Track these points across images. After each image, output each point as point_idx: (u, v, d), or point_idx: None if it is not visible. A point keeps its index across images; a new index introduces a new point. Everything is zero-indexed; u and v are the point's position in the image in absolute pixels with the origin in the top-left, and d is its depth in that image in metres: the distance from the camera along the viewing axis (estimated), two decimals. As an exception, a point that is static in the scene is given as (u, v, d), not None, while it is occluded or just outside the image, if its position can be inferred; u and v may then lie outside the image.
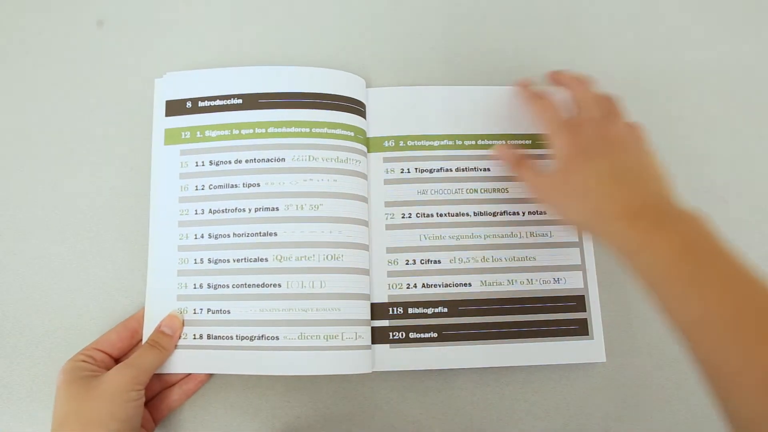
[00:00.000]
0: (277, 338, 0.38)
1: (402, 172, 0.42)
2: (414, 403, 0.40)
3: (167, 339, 0.37)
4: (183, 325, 0.38)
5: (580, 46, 0.48)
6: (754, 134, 0.46)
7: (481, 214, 0.42)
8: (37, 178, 0.43)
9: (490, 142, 0.43)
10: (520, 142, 0.43)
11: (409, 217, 0.42)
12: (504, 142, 0.43)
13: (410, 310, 0.40)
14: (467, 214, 0.42)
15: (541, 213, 0.42)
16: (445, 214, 0.42)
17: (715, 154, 0.46)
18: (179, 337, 0.38)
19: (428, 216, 0.42)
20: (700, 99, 0.47)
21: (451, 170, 0.43)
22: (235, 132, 0.41)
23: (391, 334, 0.40)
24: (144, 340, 0.38)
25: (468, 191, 0.42)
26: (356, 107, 0.42)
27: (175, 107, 0.42)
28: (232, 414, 0.40)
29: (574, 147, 0.36)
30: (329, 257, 0.39)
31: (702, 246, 0.30)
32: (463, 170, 0.43)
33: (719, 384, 0.27)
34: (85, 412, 0.33)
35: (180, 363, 0.38)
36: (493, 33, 0.47)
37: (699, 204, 0.44)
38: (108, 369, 0.35)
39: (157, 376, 0.38)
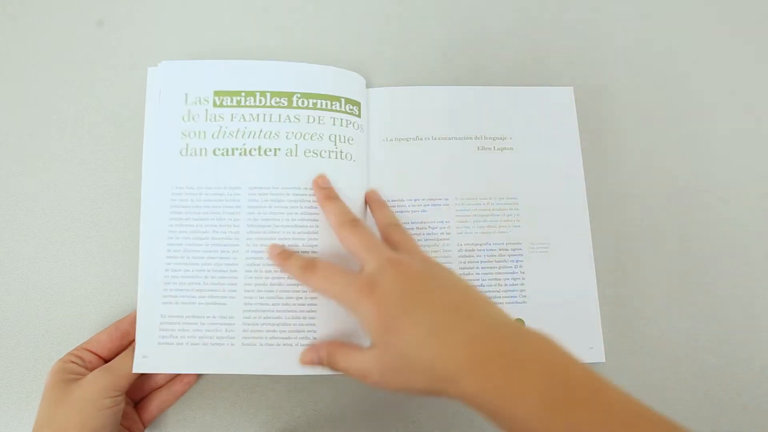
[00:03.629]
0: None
1: None
2: (414, 403, 0.40)
3: None
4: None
5: (579, 46, 0.48)
6: (755, 134, 0.46)
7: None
8: (37, 177, 0.43)
9: None
10: None
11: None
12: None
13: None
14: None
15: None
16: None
17: (715, 154, 0.46)
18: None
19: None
20: (701, 99, 0.47)
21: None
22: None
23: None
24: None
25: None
26: None
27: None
28: (232, 414, 0.40)
29: (380, 316, 0.30)
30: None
31: (563, 381, 0.27)
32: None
33: None
34: (57, 421, 0.32)
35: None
36: (493, 33, 0.47)
37: (699, 204, 0.45)
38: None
39: (146, 378, 0.37)
